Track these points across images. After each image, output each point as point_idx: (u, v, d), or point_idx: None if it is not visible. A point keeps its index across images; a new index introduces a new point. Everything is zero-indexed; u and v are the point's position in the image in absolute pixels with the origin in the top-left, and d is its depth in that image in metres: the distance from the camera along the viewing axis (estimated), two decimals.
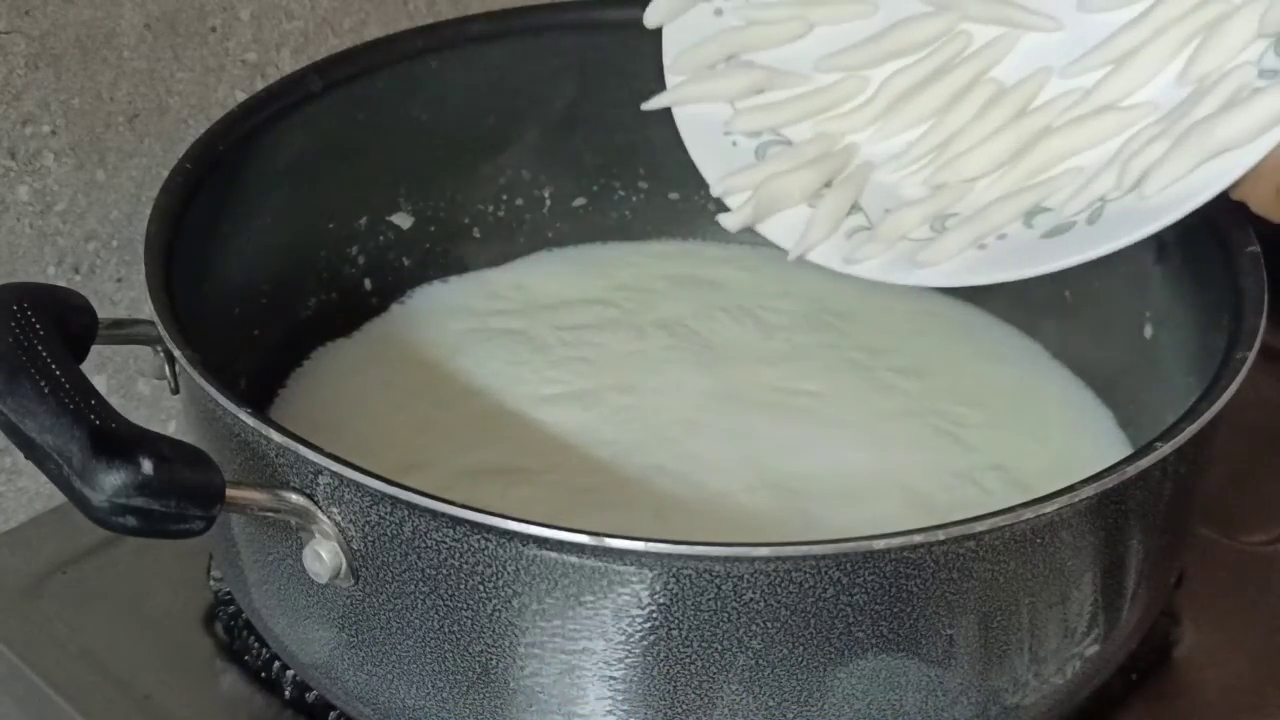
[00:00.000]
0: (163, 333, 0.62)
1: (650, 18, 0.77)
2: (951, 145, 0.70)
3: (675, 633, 0.55)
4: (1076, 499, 0.57)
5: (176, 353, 0.61)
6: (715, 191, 0.73)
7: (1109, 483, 0.57)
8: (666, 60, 0.76)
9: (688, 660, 0.56)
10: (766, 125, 0.73)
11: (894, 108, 0.72)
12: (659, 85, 0.78)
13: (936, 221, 0.68)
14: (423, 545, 0.56)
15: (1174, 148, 0.63)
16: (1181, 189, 0.63)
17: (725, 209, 0.72)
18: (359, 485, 0.56)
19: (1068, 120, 0.68)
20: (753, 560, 0.54)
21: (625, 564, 0.54)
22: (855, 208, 0.70)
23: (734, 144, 0.74)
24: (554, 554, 0.55)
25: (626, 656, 0.56)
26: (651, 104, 0.76)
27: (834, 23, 0.75)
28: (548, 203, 0.86)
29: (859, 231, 0.70)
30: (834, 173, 0.71)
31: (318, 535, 0.58)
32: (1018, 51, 0.71)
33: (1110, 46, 0.67)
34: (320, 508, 0.57)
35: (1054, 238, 0.65)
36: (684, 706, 0.57)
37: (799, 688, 0.56)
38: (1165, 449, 0.58)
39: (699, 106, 0.75)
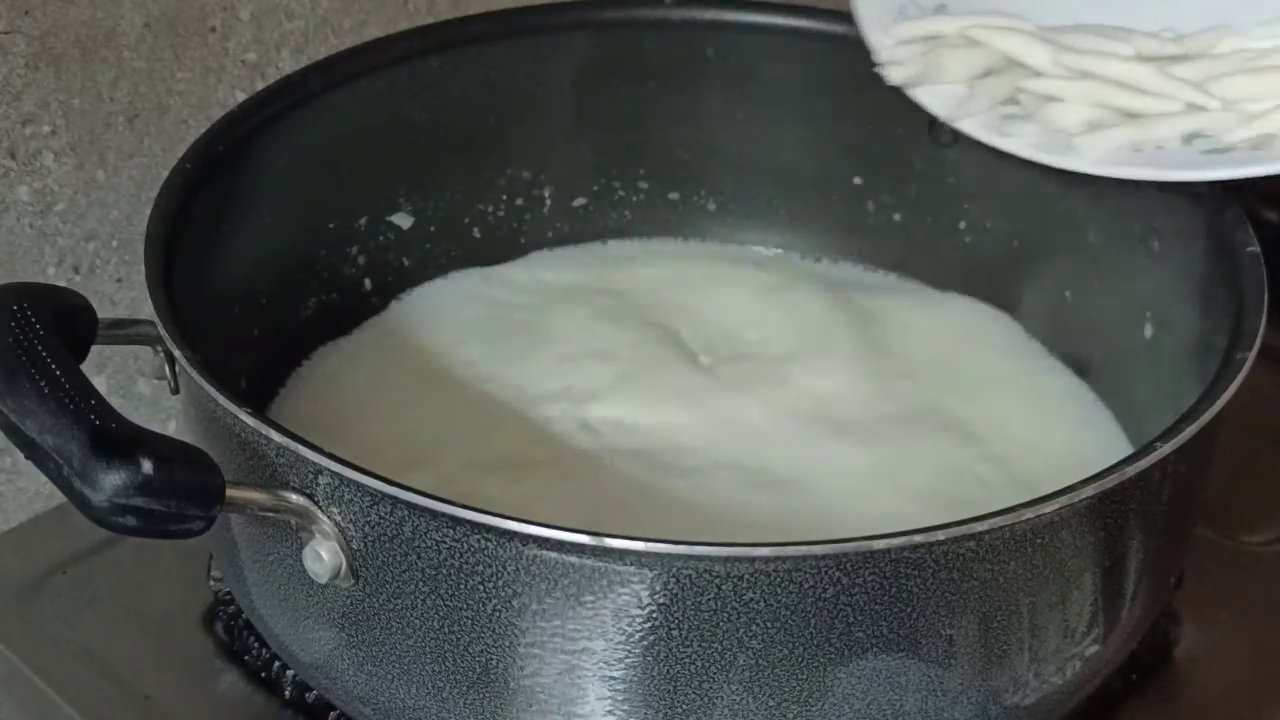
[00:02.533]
0: (163, 333, 0.62)
1: None
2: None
3: (675, 633, 0.55)
4: (1076, 499, 0.57)
5: (176, 353, 0.61)
6: (879, 58, 0.75)
7: (1109, 483, 0.57)
8: None
9: (688, 660, 0.56)
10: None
11: None
12: (659, 84, 0.78)
13: (1092, 125, 0.70)
14: (423, 545, 0.56)
15: None
16: None
17: None
18: (359, 485, 0.56)
19: (1243, 69, 0.69)
20: (753, 560, 0.54)
21: (625, 564, 0.54)
22: (1012, 100, 0.72)
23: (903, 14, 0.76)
24: (554, 554, 0.55)
25: (626, 656, 0.56)
26: None
27: None
28: (548, 202, 0.86)
29: (1015, 119, 0.71)
30: (998, 63, 0.73)
31: (318, 535, 0.58)
32: (1200, 5, 0.72)
33: None
34: (320, 508, 0.57)
35: (1212, 155, 0.66)
36: (684, 706, 0.57)
37: (799, 688, 0.56)
38: (1165, 449, 0.58)
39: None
